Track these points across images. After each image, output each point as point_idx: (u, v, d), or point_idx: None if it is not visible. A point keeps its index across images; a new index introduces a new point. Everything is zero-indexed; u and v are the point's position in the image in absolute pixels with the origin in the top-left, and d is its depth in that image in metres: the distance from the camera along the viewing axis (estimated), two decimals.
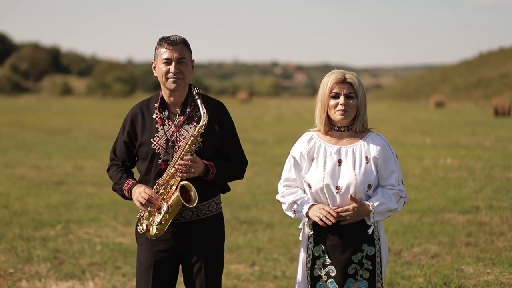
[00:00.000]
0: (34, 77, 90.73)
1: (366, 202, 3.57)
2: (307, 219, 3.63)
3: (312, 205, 3.61)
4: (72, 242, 7.38)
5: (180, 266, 3.80)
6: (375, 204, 3.56)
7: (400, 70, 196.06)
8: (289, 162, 3.74)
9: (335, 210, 3.55)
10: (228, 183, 3.87)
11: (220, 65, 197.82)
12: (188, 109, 3.71)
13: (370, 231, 3.59)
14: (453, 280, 5.79)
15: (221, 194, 3.84)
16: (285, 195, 3.71)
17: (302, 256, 3.72)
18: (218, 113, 3.71)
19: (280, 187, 3.76)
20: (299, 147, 3.71)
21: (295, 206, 3.66)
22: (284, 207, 3.73)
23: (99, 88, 75.14)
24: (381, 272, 3.64)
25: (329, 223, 3.54)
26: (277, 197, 3.78)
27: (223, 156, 3.74)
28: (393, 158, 3.65)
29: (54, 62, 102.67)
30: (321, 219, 3.55)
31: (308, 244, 3.69)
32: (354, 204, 3.55)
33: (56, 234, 7.72)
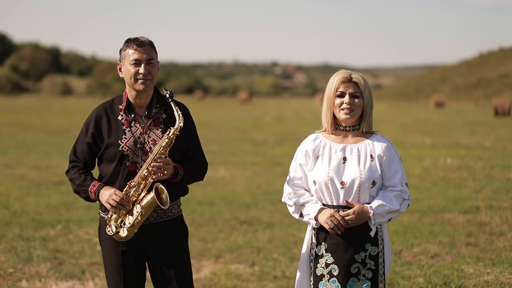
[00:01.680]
0: (34, 77, 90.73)
1: (365, 205, 3.58)
2: (315, 222, 3.63)
3: (322, 208, 3.61)
4: (72, 242, 7.37)
5: (148, 269, 3.81)
6: (374, 206, 3.57)
7: (400, 70, 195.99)
8: (294, 162, 3.75)
9: (341, 214, 3.56)
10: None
11: (220, 65, 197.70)
12: (153, 111, 3.70)
13: (372, 233, 3.60)
14: (453, 280, 5.79)
15: (181, 196, 3.84)
16: (292, 197, 3.70)
17: (305, 254, 3.73)
18: (183, 116, 3.68)
19: (286, 188, 3.75)
20: (305, 146, 3.72)
21: (302, 209, 3.67)
22: (291, 209, 3.73)
23: (99, 88, 75.15)
24: (383, 273, 3.65)
25: (339, 233, 3.58)
26: (283, 199, 3.78)
27: (186, 159, 3.75)
28: (397, 158, 3.67)
29: (54, 62, 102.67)
30: (332, 228, 3.57)
31: (311, 243, 3.69)
32: (355, 208, 3.56)
33: (56, 234, 7.72)
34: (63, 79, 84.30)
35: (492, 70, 66.32)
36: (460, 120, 30.48)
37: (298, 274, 3.76)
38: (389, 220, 3.64)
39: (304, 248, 3.75)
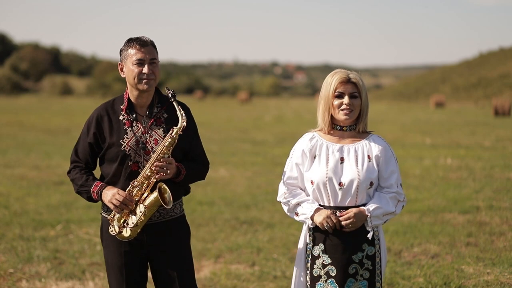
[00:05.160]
0: (34, 77, 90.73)
1: (362, 207, 3.58)
2: (311, 221, 3.62)
3: (318, 209, 3.61)
4: (72, 242, 7.37)
5: (149, 268, 3.81)
6: (371, 208, 3.57)
7: (400, 70, 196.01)
8: (290, 161, 3.73)
9: (340, 218, 3.57)
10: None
11: (220, 65, 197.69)
12: (155, 111, 3.70)
13: (369, 235, 3.60)
14: (453, 280, 5.79)
15: (183, 196, 3.85)
16: (288, 197, 3.69)
17: (301, 255, 3.72)
18: (185, 115, 3.68)
19: (282, 187, 3.74)
20: (301, 145, 3.71)
21: (298, 209, 3.66)
22: (286, 208, 3.72)
23: (99, 88, 75.17)
24: (380, 272, 3.65)
25: (331, 232, 3.59)
26: (279, 198, 3.76)
27: (188, 158, 3.76)
28: (393, 159, 3.67)
29: (54, 62, 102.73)
30: (326, 229, 3.58)
31: (307, 244, 3.69)
32: (354, 210, 3.55)
33: (56, 234, 7.72)
34: (63, 79, 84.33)
35: (492, 70, 66.33)
36: (460, 120, 30.48)
37: (294, 274, 3.75)
38: (385, 221, 3.64)
39: (300, 249, 3.74)
